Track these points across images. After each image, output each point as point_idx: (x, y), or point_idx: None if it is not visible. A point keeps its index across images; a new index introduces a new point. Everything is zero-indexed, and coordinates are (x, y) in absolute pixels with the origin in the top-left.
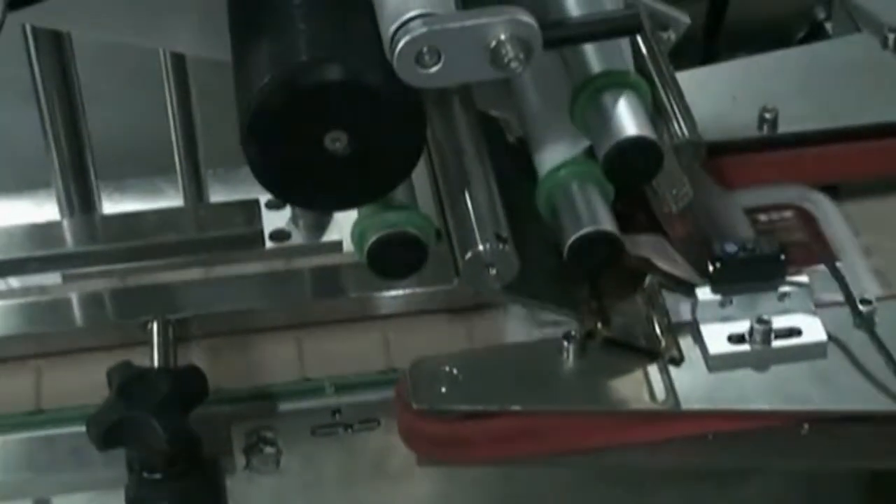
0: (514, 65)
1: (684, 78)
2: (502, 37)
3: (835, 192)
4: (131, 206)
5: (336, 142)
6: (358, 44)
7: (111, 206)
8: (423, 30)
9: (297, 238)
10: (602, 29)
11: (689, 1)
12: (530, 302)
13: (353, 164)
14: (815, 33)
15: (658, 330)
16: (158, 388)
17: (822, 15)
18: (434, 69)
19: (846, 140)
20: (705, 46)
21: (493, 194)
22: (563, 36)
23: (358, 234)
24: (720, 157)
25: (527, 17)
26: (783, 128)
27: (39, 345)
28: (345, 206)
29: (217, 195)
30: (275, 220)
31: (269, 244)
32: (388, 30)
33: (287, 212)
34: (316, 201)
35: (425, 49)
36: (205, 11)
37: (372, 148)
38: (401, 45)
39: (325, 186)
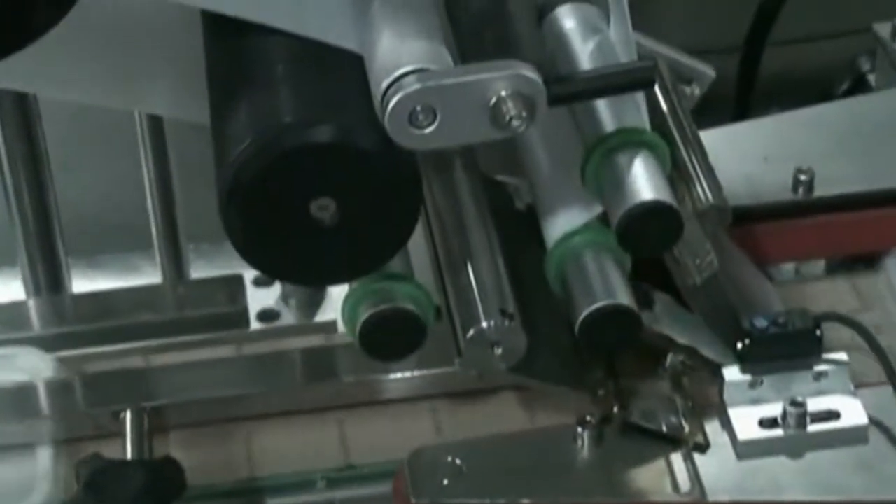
0: (516, 123)
1: (711, 136)
2: (503, 93)
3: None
4: (105, 284)
5: (323, 210)
6: (346, 103)
7: (83, 284)
8: (417, 86)
9: (288, 318)
10: (612, 83)
11: (720, 53)
12: (540, 384)
13: (343, 234)
14: (859, 86)
15: (681, 414)
16: (131, 482)
17: (866, 66)
18: (429, 129)
19: (889, 204)
20: (738, 102)
21: (498, 266)
22: (569, 92)
23: (349, 310)
24: (750, 224)
25: (530, 72)
26: (820, 191)
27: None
28: (334, 280)
29: (199, 272)
30: (263, 298)
31: (255, 325)
32: (379, 87)
33: (276, 289)
34: (302, 275)
35: (419, 107)
36: (182, 69)
37: (362, 217)
38: (392, 103)
39: (313, 259)
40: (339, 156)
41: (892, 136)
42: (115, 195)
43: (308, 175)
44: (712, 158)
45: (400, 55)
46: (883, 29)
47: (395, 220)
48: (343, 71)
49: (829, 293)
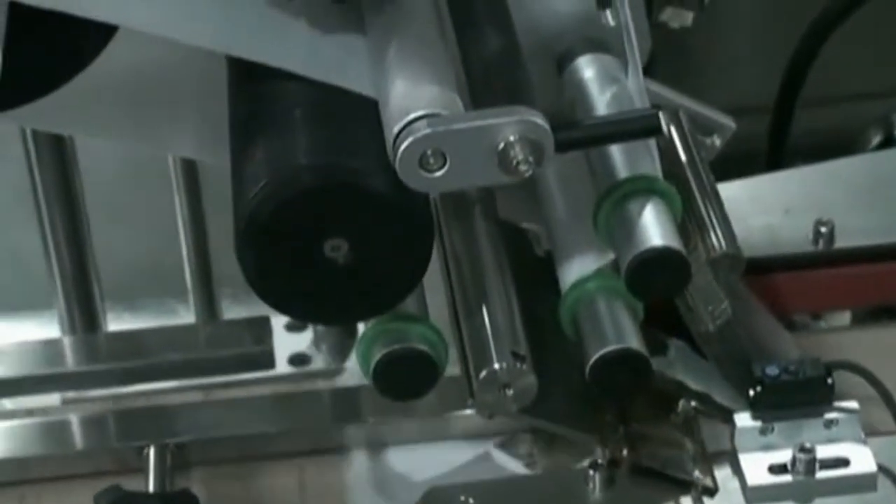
0: (523, 168)
1: (733, 188)
2: (511, 138)
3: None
4: (141, 326)
5: (336, 250)
6: (360, 146)
7: (120, 326)
8: (427, 131)
9: (318, 363)
10: (618, 130)
11: (752, 112)
12: (550, 426)
13: (355, 274)
14: (890, 143)
15: (692, 458)
16: None
17: None
18: (439, 173)
19: None
20: (769, 159)
21: (512, 310)
22: (576, 138)
23: (363, 349)
24: (770, 275)
25: (537, 118)
26: (840, 242)
27: (25, 470)
28: (347, 319)
29: (232, 316)
30: (294, 343)
31: (288, 368)
32: (391, 131)
33: (308, 334)
34: (316, 314)
35: (429, 151)
36: (208, 113)
37: (375, 257)
38: (403, 146)
39: (326, 298)
40: (352, 197)
41: None
42: (152, 240)
43: (322, 216)
44: (734, 209)
45: (412, 100)
46: None
47: (407, 261)
48: (358, 115)
49: (854, 344)
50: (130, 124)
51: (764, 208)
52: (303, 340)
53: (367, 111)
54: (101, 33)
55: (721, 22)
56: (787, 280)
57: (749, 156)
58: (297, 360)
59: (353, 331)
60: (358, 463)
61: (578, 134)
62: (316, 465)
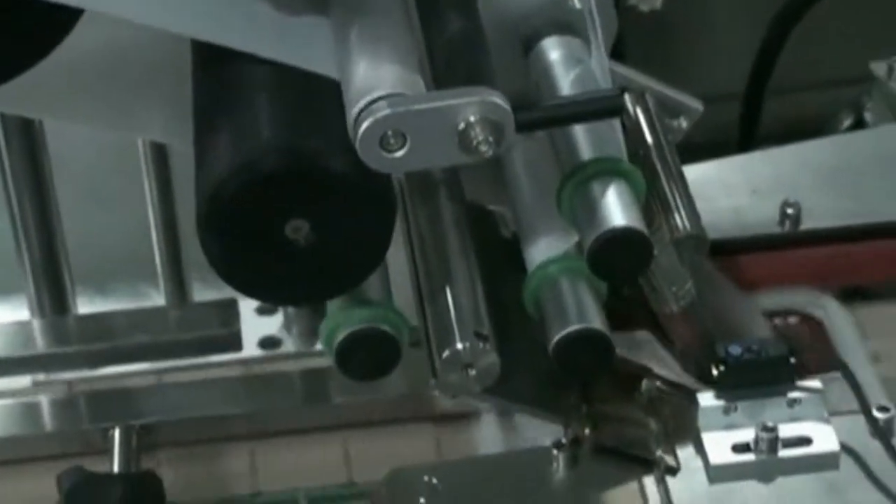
0: (483, 148)
1: (700, 170)
2: (471, 119)
3: (863, 294)
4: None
5: (298, 231)
6: (322, 128)
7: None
8: (388, 112)
9: (289, 345)
10: (580, 111)
11: (722, 99)
12: (513, 406)
13: (317, 255)
14: (860, 125)
15: (655, 437)
16: (109, 494)
17: (867, 105)
18: (400, 153)
19: (875, 238)
20: (740, 146)
21: (476, 291)
22: (537, 118)
23: (327, 330)
24: (737, 256)
25: (497, 99)
26: (806, 224)
27: None
28: (310, 300)
29: (203, 299)
30: (265, 326)
31: (257, 351)
32: (351, 112)
33: (279, 317)
34: (278, 295)
35: (390, 132)
36: (174, 96)
37: (337, 238)
38: (363, 127)
39: (288, 279)
40: (313, 179)
41: (879, 171)
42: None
43: (283, 198)
44: (701, 191)
45: (373, 81)
46: (879, 68)
47: (368, 241)
48: (320, 97)
49: None
50: (98, 107)
51: (731, 190)
52: (273, 323)
53: (329, 93)
54: (67, 17)
55: (692, 9)
56: (753, 261)
57: (720, 143)
58: (268, 342)
59: (324, 313)
60: (328, 443)
61: (539, 114)
62: (284, 447)
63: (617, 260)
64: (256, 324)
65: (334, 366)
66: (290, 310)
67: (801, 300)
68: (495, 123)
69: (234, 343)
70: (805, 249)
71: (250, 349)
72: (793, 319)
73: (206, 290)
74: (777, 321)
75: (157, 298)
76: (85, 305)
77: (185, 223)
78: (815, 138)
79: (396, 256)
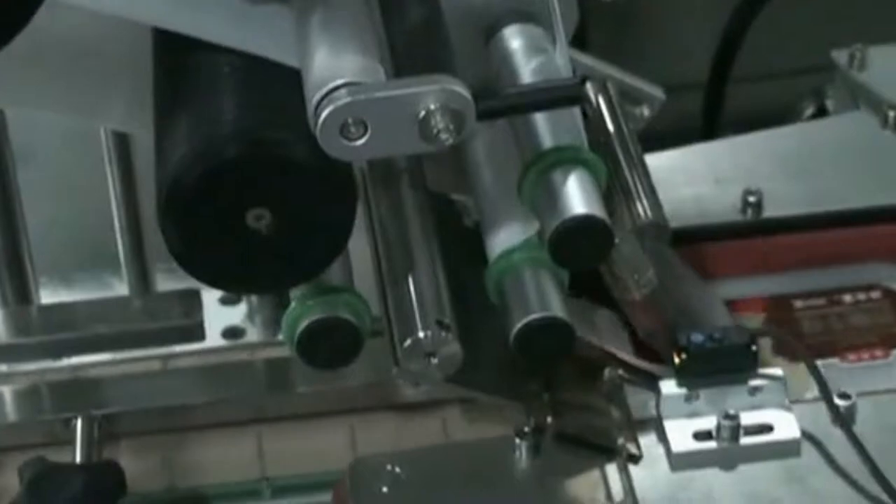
0: (444, 136)
1: (662, 158)
2: (432, 107)
3: None
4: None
5: (259, 220)
6: (282, 116)
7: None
8: (348, 99)
9: (252, 335)
10: (541, 99)
11: (685, 89)
12: (476, 394)
13: (278, 243)
14: (823, 113)
15: (616, 426)
16: (71, 484)
17: (829, 93)
18: (360, 142)
19: (837, 226)
20: (703, 135)
21: (438, 279)
22: (498, 106)
23: (288, 319)
24: (699, 244)
25: (458, 87)
26: (769, 212)
27: None
28: (271, 288)
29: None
30: (228, 316)
31: (220, 341)
32: (312, 100)
33: (243, 307)
34: (240, 283)
35: (350, 120)
36: (136, 83)
37: (298, 227)
38: (324, 115)
39: (250, 267)
40: (273, 167)
41: (841, 160)
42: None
43: (243, 186)
44: (663, 179)
45: (333, 69)
46: (840, 56)
47: (329, 229)
48: (281, 85)
49: None
50: (60, 95)
51: (693, 178)
52: (237, 313)
53: (289, 81)
54: (27, 4)
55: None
56: (715, 249)
57: (682, 132)
58: (231, 332)
59: (288, 303)
60: (290, 433)
61: (500, 102)
62: (247, 437)
63: (578, 248)
64: (220, 314)
65: (296, 355)
66: (254, 299)
67: (883, 274)
68: (456, 111)
69: (198, 333)
70: (767, 238)
71: (214, 339)
72: (875, 294)
73: (170, 280)
74: (860, 295)
75: (120, 288)
76: (48, 296)
77: (149, 213)
78: (777, 127)
79: (358, 245)
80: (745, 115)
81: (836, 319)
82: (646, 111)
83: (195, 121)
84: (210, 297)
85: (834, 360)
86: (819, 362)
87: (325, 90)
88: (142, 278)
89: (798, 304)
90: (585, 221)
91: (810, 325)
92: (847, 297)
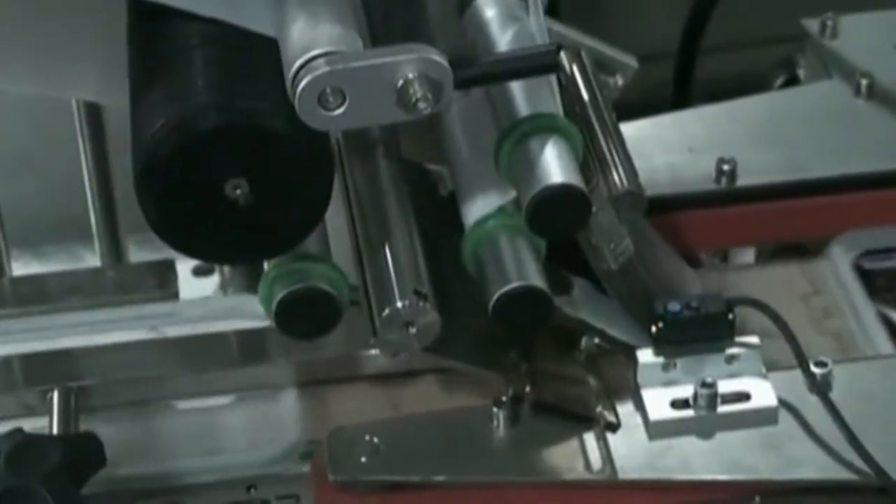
0: (422, 105)
1: (636, 127)
2: (410, 76)
3: (801, 249)
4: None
5: (236, 190)
6: (259, 85)
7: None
8: (326, 69)
9: None
10: (517, 67)
11: (656, 59)
12: (454, 364)
13: (256, 213)
14: (794, 82)
15: (594, 394)
16: (50, 456)
17: (800, 62)
18: (338, 111)
19: (810, 194)
20: (674, 104)
21: (414, 249)
22: (475, 75)
23: (265, 289)
24: (673, 213)
25: (436, 56)
26: (742, 180)
27: None
28: (249, 259)
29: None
30: (201, 287)
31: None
32: (290, 69)
33: (216, 278)
34: (217, 254)
35: (328, 89)
36: (109, 55)
37: (275, 197)
38: (302, 85)
39: (227, 238)
40: (250, 137)
41: (814, 128)
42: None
43: (221, 156)
44: (637, 148)
45: (311, 39)
46: (811, 25)
47: (307, 200)
48: (257, 55)
49: (781, 277)
50: (32, 68)
51: (667, 147)
52: (210, 285)
53: (266, 51)
54: None
55: None
56: (690, 218)
57: (653, 102)
58: None
59: (261, 274)
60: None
61: (477, 71)
62: (224, 408)
63: (555, 217)
64: (193, 285)
65: (274, 325)
66: (227, 270)
67: None
68: (434, 80)
69: None
70: (741, 206)
71: None
72: None
73: (142, 252)
74: None
75: (92, 260)
76: (19, 268)
77: (121, 183)
78: (749, 96)
79: (335, 215)
80: (715, 84)
81: None
82: (619, 80)
83: (170, 92)
84: (183, 267)
85: None
86: None
87: (303, 59)
88: (114, 250)
89: None
90: (563, 191)
91: None
92: None
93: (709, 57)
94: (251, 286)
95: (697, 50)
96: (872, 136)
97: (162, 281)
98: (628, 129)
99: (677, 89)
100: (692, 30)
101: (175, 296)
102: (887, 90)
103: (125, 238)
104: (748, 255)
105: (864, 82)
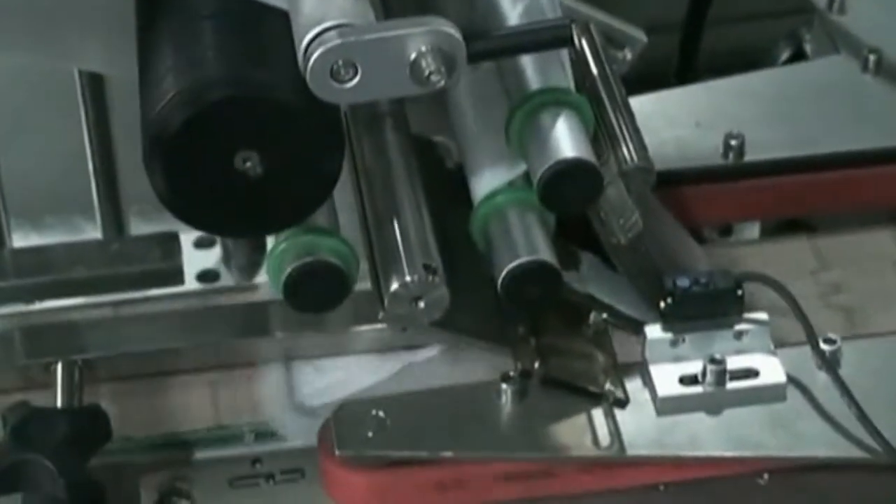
0: (435, 79)
1: (644, 101)
2: (423, 49)
3: (808, 226)
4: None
5: (246, 162)
6: (270, 57)
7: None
8: (338, 41)
9: (228, 279)
10: (530, 41)
11: (661, 31)
12: (462, 339)
13: (266, 186)
14: (798, 57)
15: (602, 370)
16: (56, 429)
17: (807, 37)
18: (350, 84)
19: (818, 169)
20: (679, 77)
21: (423, 223)
22: (488, 48)
23: (274, 263)
24: (680, 187)
25: (449, 29)
26: (750, 156)
27: None
28: (258, 232)
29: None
30: (203, 259)
31: (196, 285)
32: (301, 42)
33: (217, 250)
34: (227, 227)
35: (340, 62)
36: (114, 24)
37: (286, 170)
38: (314, 57)
39: (237, 211)
40: (262, 109)
41: (822, 104)
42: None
43: (231, 128)
44: (645, 123)
45: (323, 11)
46: None
47: (318, 173)
48: (268, 27)
49: (789, 253)
50: (36, 39)
51: (674, 121)
52: (212, 257)
53: (277, 23)
54: None
55: None
56: (697, 193)
57: (658, 75)
58: (206, 276)
59: (263, 247)
60: (271, 377)
61: (490, 44)
62: (227, 380)
63: (567, 191)
64: (195, 257)
65: (283, 299)
66: (229, 243)
67: None
68: (447, 54)
69: (176, 277)
70: (749, 181)
71: (190, 282)
72: None
73: (143, 224)
74: None
75: (92, 232)
76: (19, 240)
77: (123, 155)
78: (754, 70)
79: (342, 188)
80: (718, 57)
81: None
82: (628, 54)
83: (181, 63)
84: (184, 239)
85: None
86: None
87: (314, 32)
88: (115, 221)
89: None
90: (575, 165)
91: None
92: None
93: (712, 30)
94: (253, 259)
95: (704, 22)
96: (880, 112)
97: (166, 253)
98: (635, 103)
99: (682, 62)
100: (699, 2)
101: (179, 268)
102: (895, 66)
103: (126, 209)
104: (752, 231)
105: (871, 57)
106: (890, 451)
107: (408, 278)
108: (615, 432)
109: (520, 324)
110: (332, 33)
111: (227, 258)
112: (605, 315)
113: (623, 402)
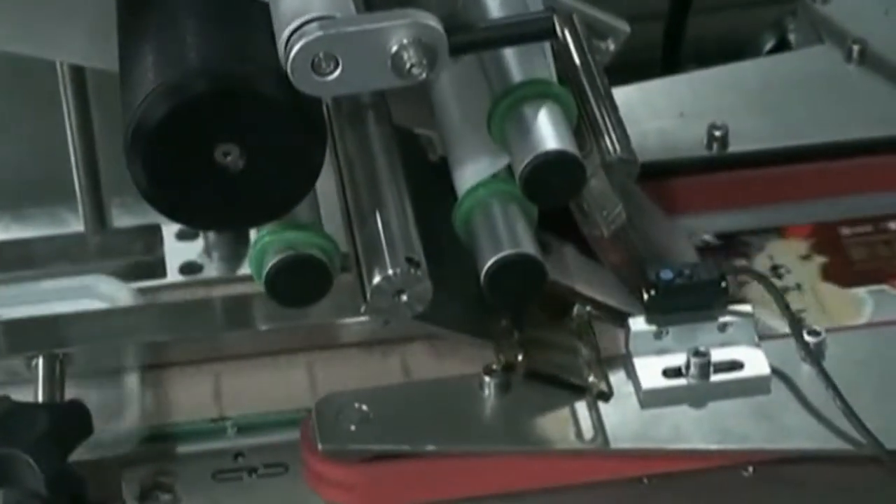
0: (416, 71)
1: (627, 92)
2: (404, 41)
3: None
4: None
5: (227, 155)
6: (250, 50)
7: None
8: (319, 34)
9: (210, 271)
10: (512, 33)
11: (645, 20)
12: (445, 332)
13: (247, 179)
14: (783, 47)
15: (586, 363)
16: (36, 424)
17: (791, 26)
18: (332, 77)
19: (802, 160)
20: (663, 66)
21: (406, 216)
22: (470, 41)
23: (256, 256)
24: (663, 179)
25: (431, 21)
26: (734, 146)
27: None
28: (239, 225)
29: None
30: (186, 251)
31: (179, 277)
32: (282, 34)
33: (200, 242)
34: (207, 220)
35: (321, 55)
36: (96, 16)
37: (267, 163)
38: (295, 50)
39: (217, 204)
40: (242, 102)
41: (806, 94)
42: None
43: (212, 121)
44: (628, 113)
45: (304, 3)
46: None
47: (299, 166)
48: (249, 19)
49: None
50: (18, 30)
51: (658, 112)
52: (194, 249)
53: (257, 16)
54: None
55: None
56: (681, 184)
57: (644, 63)
58: (189, 268)
59: (246, 239)
60: (257, 370)
61: (472, 37)
62: (209, 374)
63: (550, 183)
64: (177, 249)
65: (265, 292)
66: (211, 235)
67: None
68: (428, 46)
69: (159, 269)
70: (733, 172)
71: (172, 275)
72: None
73: (125, 216)
74: None
75: (74, 223)
76: (1, 232)
77: (105, 146)
78: (738, 60)
79: (324, 181)
80: (702, 46)
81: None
82: (611, 44)
83: (161, 56)
84: (167, 231)
85: (883, 287)
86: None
87: (295, 24)
88: (97, 214)
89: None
90: (558, 157)
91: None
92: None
93: (695, 18)
94: (235, 251)
95: (688, 11)
96: (864, 103)
97: (148, 245)
98: (618, 94)
99: (666, 52)
100: None
101: (161, 260)
102: (879, 56)
103: (108, 202)
104: None
105: (856, 48)
106: (874, 443)
107: (390, 271)
108: (599, 425)
109: (503, 317)
110: (313, 25)
111: (209, 250)
112: (588, 307)
113: (607, 395)
